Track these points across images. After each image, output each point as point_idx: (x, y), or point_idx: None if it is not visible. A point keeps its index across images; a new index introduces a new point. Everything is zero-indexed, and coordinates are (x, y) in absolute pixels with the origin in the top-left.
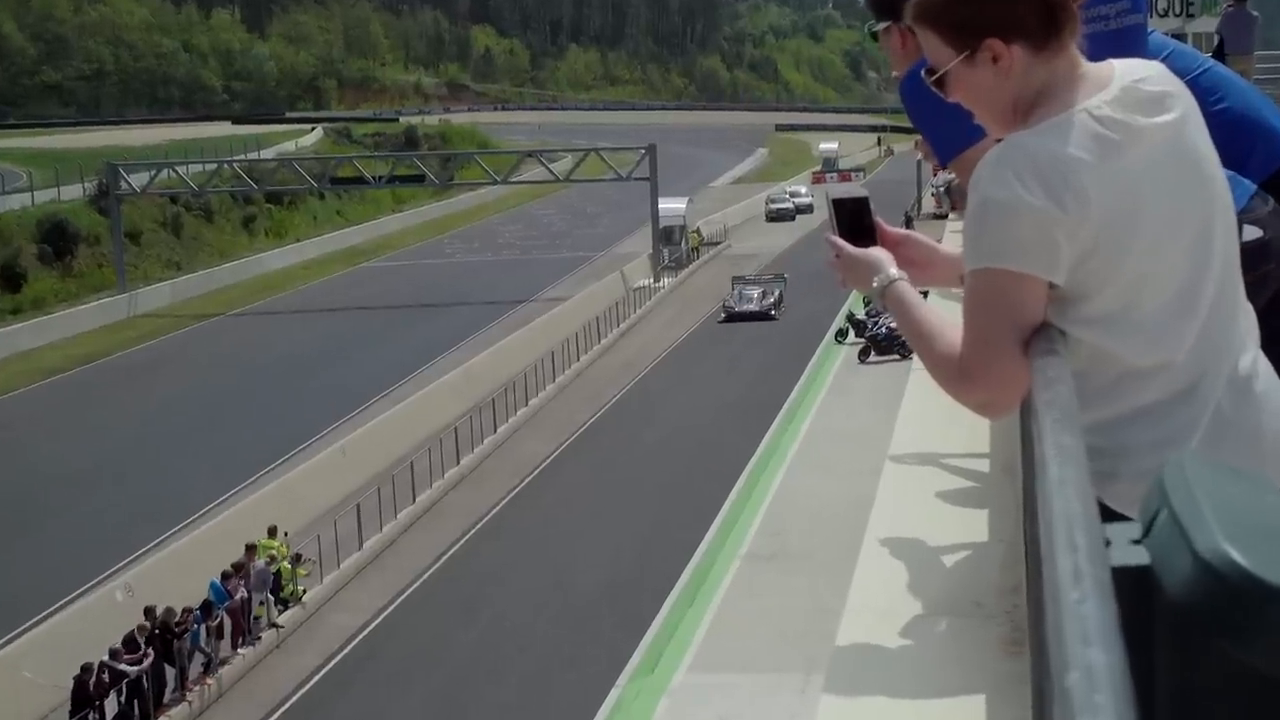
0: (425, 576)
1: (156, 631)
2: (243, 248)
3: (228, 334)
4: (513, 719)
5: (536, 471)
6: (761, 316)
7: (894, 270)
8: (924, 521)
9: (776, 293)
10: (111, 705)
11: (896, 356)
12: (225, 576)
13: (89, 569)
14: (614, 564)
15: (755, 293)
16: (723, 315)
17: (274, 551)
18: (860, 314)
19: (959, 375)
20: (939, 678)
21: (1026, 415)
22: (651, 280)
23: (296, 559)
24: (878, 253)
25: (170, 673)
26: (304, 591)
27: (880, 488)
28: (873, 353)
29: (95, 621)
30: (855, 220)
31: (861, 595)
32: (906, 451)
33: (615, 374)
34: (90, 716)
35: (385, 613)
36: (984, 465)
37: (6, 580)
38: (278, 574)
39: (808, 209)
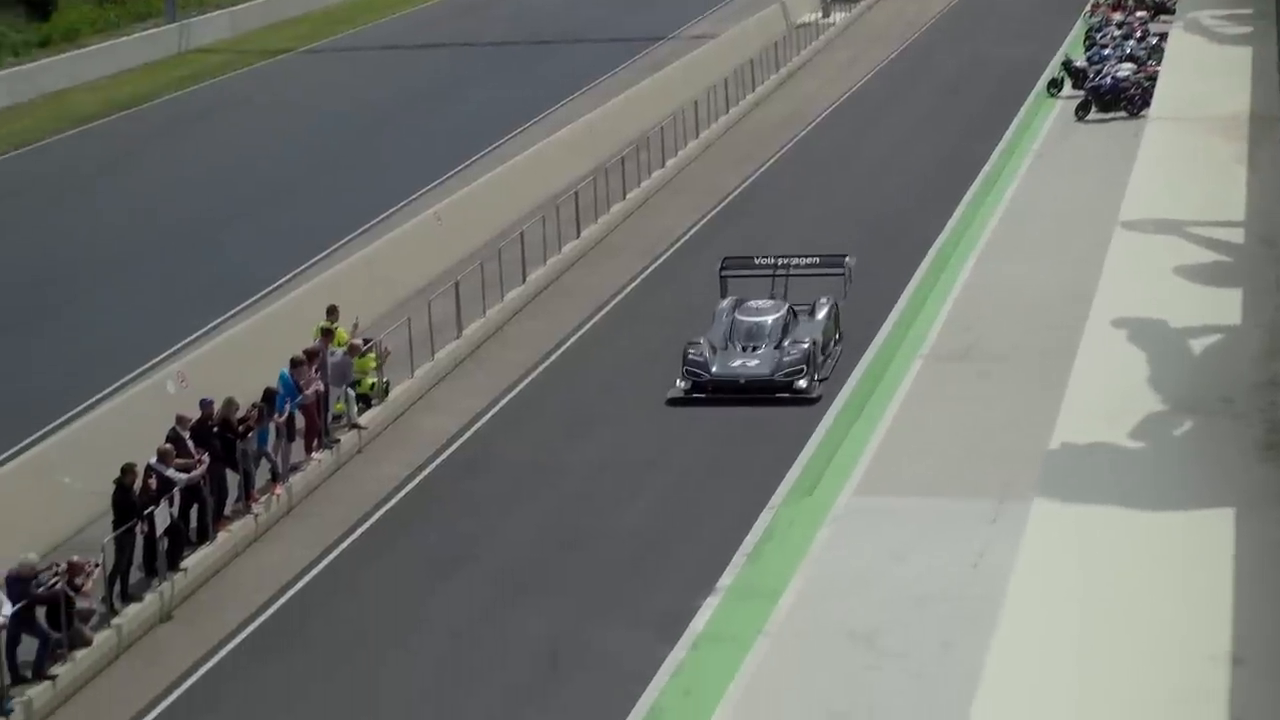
0: (536, 373)
1: (215, 429)
2: None
3: (299, 75)
4: (641, 548)
5: (673, 249)
6: (775, 389)
7: None
8: (1162, 302)
9: (823, 315)
10: (163, 516)
11: (1123, 113)
12: (294, 364)
13: (134, 356)
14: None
15: (767, 321)
16: (683, 384)
17: (355, 341)
18: (1079, 60)
19: None
20: (1178, 488)
21: None
22: (820, 15)
23: (362, 345)
24: None
25: (232, 479)
26: (388, 385)
27: (1108, 261)
28: (1094, 108)
29: (142, 417)
30: None
31: (1083, 390)
32: (1141, 217)
33: (771, 132)
34: (137, 528)
35: (487, 416)
36: (1237, 235)
37: (36, 371)
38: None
39: None
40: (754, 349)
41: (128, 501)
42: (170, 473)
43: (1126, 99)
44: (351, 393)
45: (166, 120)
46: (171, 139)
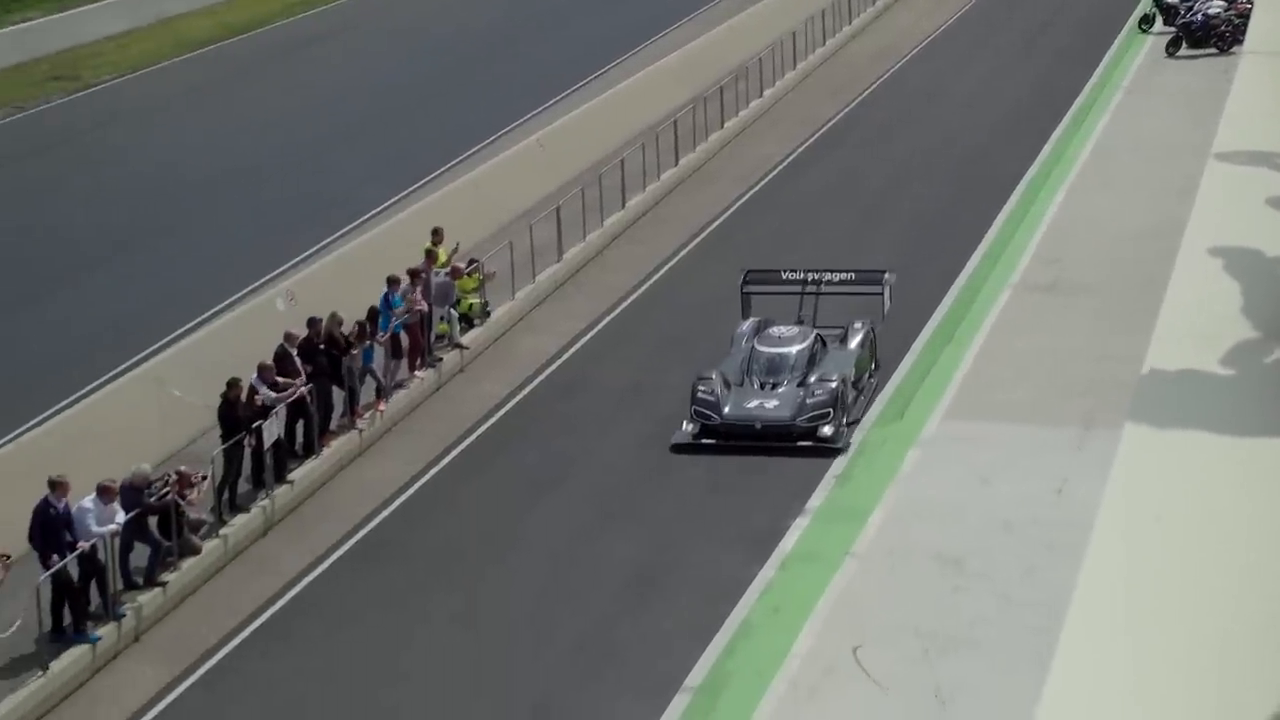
0: (634, 296)
1: (321, 346)
2: None
3: (407, 2)
4: (734, 469)
5: (769, 176)
6: (796, 435)
7: None
8: (1255, 232)
9: (856, 343)
10: (271, 430)
11: (1214, 50)
12: (390, 283)
13: (244, 274)
14: (855, 296)
15: (790, 353)
16: (690, 426)
17: (458, 263)
18: None
19: None
20: (1269, 415)
21: None
22: None
23: (464, 267)
24: None
25: (338, 395)
26: (487, 305)
27: (1202, 192)
28: (1184, 44)
29: (252, 334)
30: None
31: (1176, 315)
32: (1235, 149)
33: (866, 64)
34: (245, 441)
35: (585, 338)
36: None
37: (151, 286)
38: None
39: None
40: (774, 386)
41: (233, 415)
42: (263, 390)
43: (1217, 35)
44: (454, 313)
45: (278, 45)
46: (282, 64)
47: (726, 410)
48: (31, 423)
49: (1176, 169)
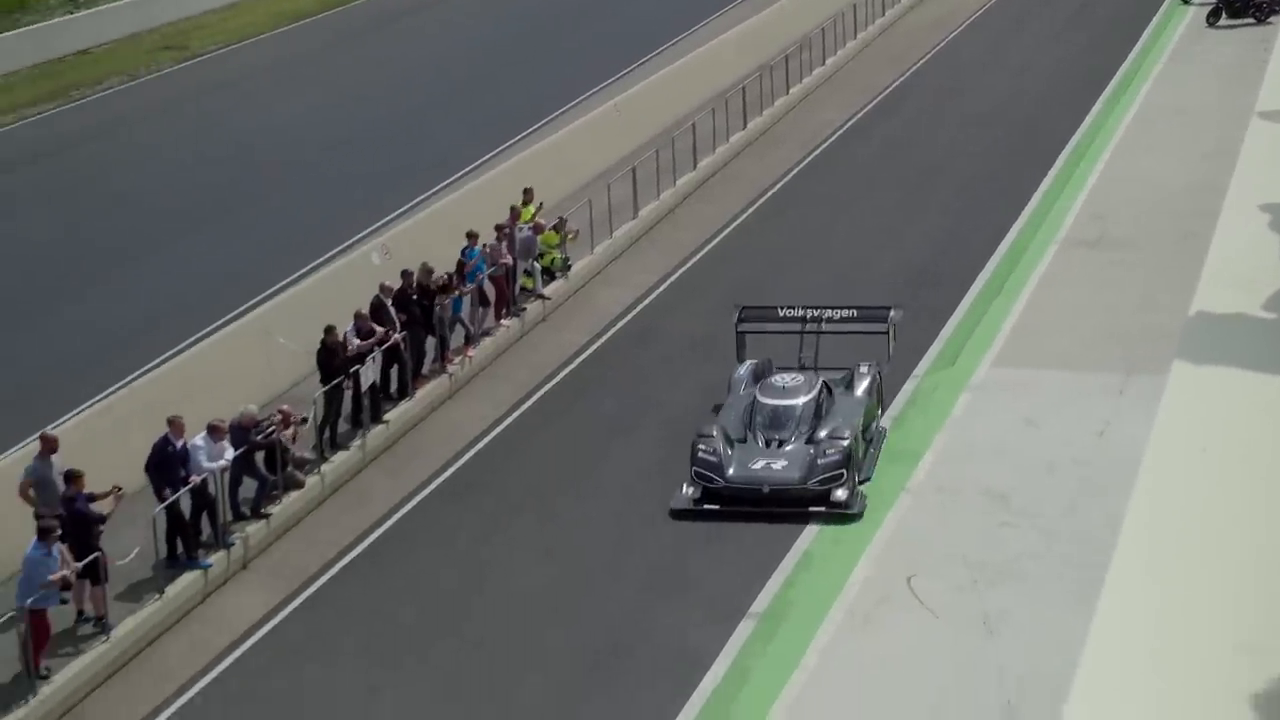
0: (704, 251)
1: (414, 295)
2: None
3: None
4: None
5: (830, 140)
6: (807, 500)
7: None
8: None
9: (864, 389)
10: (368, 374)
11: (1252, 20)
12: (470, 236)
13: (341, 231)
14: (911, 250)
15: (796, 405)
16: (691, 490)
17: (540, 220)
18: None
19: None
20: None
21: None
22: None
23: (545, 224)
24: None
25: (431, 342)
26: (567, 260)
27: (1245, 149)
28: (1224, 15)
29: (349, 285)
30: None
31: (1221, 262)
32: (1277, 109)
33: (923, 34)
34: (344, 385)
35: (658, 291)
36: None
37: (258, 241)
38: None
39: None
40: (780, 444)
41: (330, 360)
42: (352, 339)
43: (1255, 6)
44: (537, 266)
45: (372, 17)
46: (377, 35)
47: (730, 472)
48: (146, 367)
49: (1215, 130)
